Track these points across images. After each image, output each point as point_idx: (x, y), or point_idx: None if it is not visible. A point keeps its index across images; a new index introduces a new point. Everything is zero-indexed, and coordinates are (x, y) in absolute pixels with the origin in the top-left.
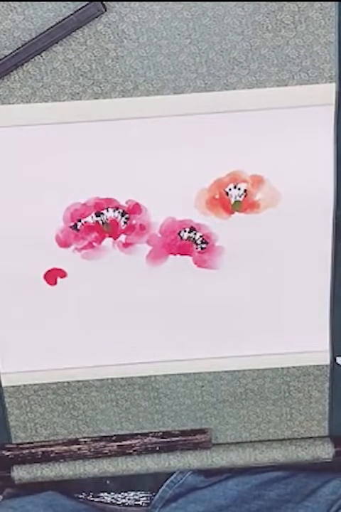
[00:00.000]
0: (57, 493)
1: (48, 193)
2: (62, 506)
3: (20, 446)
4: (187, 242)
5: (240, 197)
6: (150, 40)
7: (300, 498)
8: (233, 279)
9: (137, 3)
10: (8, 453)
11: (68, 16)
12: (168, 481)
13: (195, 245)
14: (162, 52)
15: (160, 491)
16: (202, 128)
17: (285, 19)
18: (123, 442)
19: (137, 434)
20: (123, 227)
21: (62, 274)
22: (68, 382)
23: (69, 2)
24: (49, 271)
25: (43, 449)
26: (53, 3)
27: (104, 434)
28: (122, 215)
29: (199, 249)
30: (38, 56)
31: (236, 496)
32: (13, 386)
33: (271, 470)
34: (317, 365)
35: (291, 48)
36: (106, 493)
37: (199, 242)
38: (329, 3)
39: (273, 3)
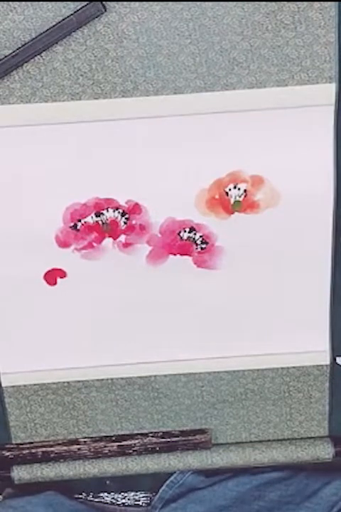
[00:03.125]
0: (56, 493)
1: (48, 193)
2: (62, 506)
3: (20, 446)
4: (187, 242)
5: (240, 197)
6: (150, 40)
7: (301, 499)
8: (233, 279)
9: (137, 3)
10: (8, 453)
11: (68, 16)
12: (167, 481)
13: (194, 245)
14: (162, 52)
15: (160, 491)
16: (202, 128)
17: (285, 19)
18: (123, 442)
19: (137, 434)
20: (123, 228)
21: (62, 274)
22: (68, 382)
23: (69, 2)
24: (49, 271)
25: (43, 449)
26: (53, 3)
27: (104, 434)
28: (122, 216)
29: (199, 250)
30: (38, 56)
31: (236, 497)
32: (13, 386)
33: (271, 471)
34: (317, 365)
35: (291, 48)
36: (106, 493)
37: (199, 242)
38: (329, 3)
39: (273, 3)
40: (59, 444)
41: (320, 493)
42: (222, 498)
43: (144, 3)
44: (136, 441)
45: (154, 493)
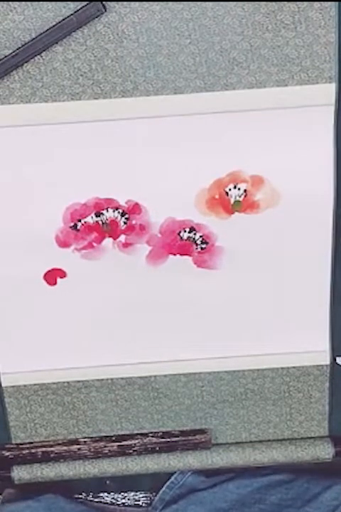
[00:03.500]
0: (56, 496)
1: (48, 193)
2: (62, 509)
3: (20, 446)
4: (187, 242)
5: (240, 197)
6: (150, 40)
7: (301, 503)
8: (233, 279)
9: (137, 3)
10: (8, 453)
11: (68, 16)
12: (168, 482)
13: (194, 245)
14: (162, 52)
15: (161, 492)
16: (202, 128)
17: (285, 19)
18: (123, 442)
19: (137, 434)
20: (123, 228)
21: (62, 274)
22: (68, 382)
23: (69, 2)
24: (49, 271)
25: (43, 449)
26: (53, 3)
27: (104, 434)
28: (122, 216)
29: (199, 250)
30: (38, 56)
31: (236, 499)
32: (13, 386)
33: (272, 473)
34: (317, 365)
35: (291, 48)
36: (106, 494)
37: (199, 242)
38: (329, 3)
39: (273, 3)
40: (59, 444)
41: (321, 498)
42: (222, 501)
43: (144, 3)
44: (136, 441)
45: (154, 493)
